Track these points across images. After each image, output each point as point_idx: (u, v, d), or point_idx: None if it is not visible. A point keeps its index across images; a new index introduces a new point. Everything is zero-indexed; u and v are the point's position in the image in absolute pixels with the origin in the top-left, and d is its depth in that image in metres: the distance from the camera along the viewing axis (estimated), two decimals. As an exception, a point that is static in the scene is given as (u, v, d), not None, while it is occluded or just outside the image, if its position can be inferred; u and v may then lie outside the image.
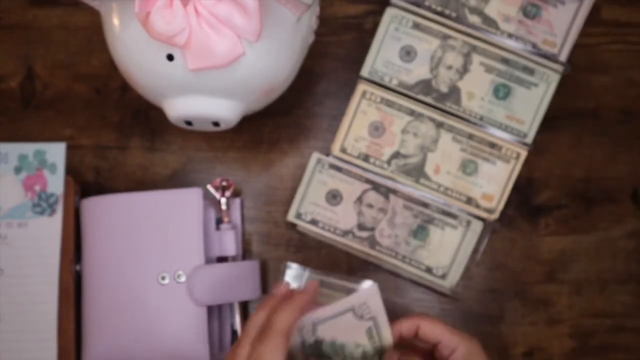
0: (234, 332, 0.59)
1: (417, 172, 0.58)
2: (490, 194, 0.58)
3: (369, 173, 0.58)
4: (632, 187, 0.61)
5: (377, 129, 0.59)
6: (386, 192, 0.58)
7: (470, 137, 0.58)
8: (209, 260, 0.57)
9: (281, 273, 0.59)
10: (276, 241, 0.61)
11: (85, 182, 0.61)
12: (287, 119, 0.62)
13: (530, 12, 0.58)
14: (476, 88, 0.58)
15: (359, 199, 0.58)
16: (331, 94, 0.62)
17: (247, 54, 0.48)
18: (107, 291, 0.55)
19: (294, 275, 0.59)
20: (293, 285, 0.58)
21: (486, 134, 0.58)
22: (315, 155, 0.58)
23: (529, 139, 0.58)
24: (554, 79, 0.58)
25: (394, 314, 0.59)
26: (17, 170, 0.58)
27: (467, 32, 0.58)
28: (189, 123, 0.53)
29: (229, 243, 0.57)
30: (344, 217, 0.58)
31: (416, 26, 0.58)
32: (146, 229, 0.56)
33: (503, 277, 0.60)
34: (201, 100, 0.50)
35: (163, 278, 0.55)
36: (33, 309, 0.57)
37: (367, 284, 0.58)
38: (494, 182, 0.58)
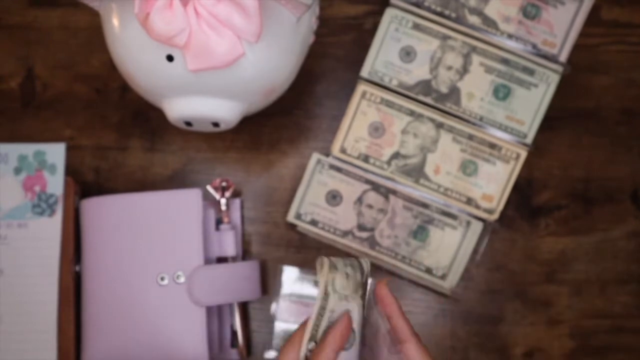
0: (233, 333, 0.59)
1: (417, 173, 0.58)
2: (490, 194, 0.58)
3: (369, 173, 0.58)
4: (632, 187, 0.61)
5: (377, 130, 0.58)
6: (386, 192, 0.58)
7: (470, 137, 0.58)
8: (208, 261, 0.57)
9: (278, 275, 0.59)
10: (276, 242, 0.61)
11: (85, 183, 0.61)
12: (287, 120, 0.62)
13: (530, 12, 0.58)
14: (476, 88, 0.58)
15: (359, 200, 0.58)
16: (331, 95, 0.62)
17: (247, 55, 0.48)
18: (106, 291, 0.55)
19: (290, 278, 0.59)
20: (290, 288, 0.58)
21: (486, 135, 0.58)
22: (315, 156, 0.58)
23: (529, 140, 0.58)
24: (554, 80, 0.58)
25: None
26: (17, 170, 0.59)
27: (467, 33, 0.58)
28: (188, 124, 0.53)
29: (228, 243, 0.57)
30: (343, 217, 0.58)
31: (416, 27, 0.58)
32: (146, 230, 0.56)
33: (503, 277, 0.60)
34: (201, 101, 0.50)
35: (162, 279, 0.55)
36: (33, 309, 0.57)
37: None
38: (493, 183, 0.58)
